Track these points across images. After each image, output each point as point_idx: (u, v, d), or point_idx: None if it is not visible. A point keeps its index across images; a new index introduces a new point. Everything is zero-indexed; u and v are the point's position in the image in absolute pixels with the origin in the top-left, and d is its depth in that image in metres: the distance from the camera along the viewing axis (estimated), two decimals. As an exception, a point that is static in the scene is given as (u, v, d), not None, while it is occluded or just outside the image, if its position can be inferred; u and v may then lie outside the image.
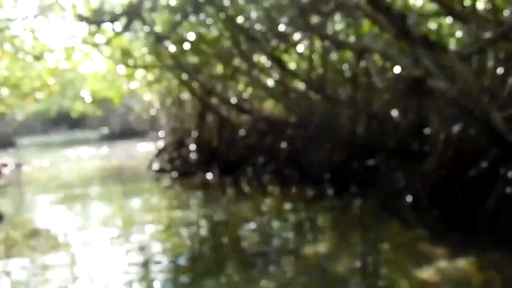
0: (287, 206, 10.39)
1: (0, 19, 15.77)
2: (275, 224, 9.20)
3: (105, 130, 46.08)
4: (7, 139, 42.10)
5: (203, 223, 9.68)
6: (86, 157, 25.60)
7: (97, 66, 20.44)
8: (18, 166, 21.15)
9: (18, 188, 16.71)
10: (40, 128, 60.98)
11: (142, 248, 7.75)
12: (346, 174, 11.39)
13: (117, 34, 14.44)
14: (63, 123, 59.97)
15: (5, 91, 19.39)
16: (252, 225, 8.98)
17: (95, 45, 16.53)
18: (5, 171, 20.08)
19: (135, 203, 12.45)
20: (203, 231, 9.17)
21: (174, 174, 15.52)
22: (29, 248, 8.35)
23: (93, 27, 14.15)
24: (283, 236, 8.30)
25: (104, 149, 29.72)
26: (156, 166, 16.62)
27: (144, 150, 24.25)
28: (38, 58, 17.11)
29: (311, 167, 12.39)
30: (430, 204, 8.46)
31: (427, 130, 9.95)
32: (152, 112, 25.17)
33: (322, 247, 7.17)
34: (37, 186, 16.62)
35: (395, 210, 8.83)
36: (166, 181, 15.12)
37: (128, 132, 40.53)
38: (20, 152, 33.76)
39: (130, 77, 19.76)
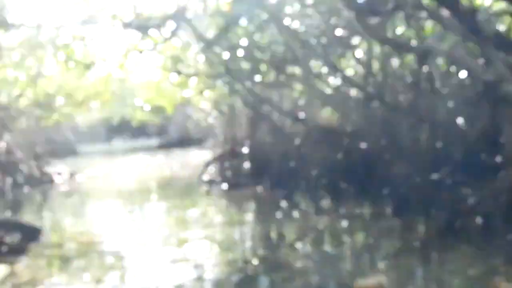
0: (342, 225, 9.43)
1: (52, 26, 15.56)
2: (329, 246, 8.22)
3: (163, 138, 46.12)
4: (69, 147, 42.63)
5: (256, 241, 8.92)
6: (140, 166, 25.32)
7: (150, 74, 20.09)
8: (72, 175, 20.95)
9: (66, 199, 16.37)
10: (103, 136, 62.03)
11: (196, 266, 7.31)
12: (407, 189, 10.30)
13: (165, 40, 13.84)
14: (125, 131, 60.74)
15: (59, 100, 19.23)
16: (305, 248, 8.06)
17: (145, 52, 16.10)
18: (59, 180, 19.88)
19: (184, 216, 11.73)
20: (255, 251, 8.30)
21: (224, 185, 14.77)
22: (68, 269, 7.75)
23: (141, 34, 13.64)
24: (337, 264, 7.29)
25: (160, 157, 29.43)
26: (206, 176, 15.94)
27: (198, 159, 23.60)
28: (88, 67, 16.82)
29: (368, 181, 11.36)
30: (505, 226, 7.34)
31: (500, 140, 8.80)
32: (209, 120, 24.68)
33: (380, 280, 6.15)
34: (86, 197, 16.25)
35: (464, 232, 7.72)
36: (216, 193, 14.41)
37: (186, 140, 40.27)
38: (79, 160, 33.96)
39: (183, 85, 19.27)
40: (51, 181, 19.51)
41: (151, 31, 13.56)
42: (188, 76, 17.62)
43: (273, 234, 9.17)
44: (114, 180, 20.29)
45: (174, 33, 13.34)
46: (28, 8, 16.10)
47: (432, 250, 7.49)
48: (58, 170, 21.28)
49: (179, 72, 17.73)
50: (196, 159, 23.99)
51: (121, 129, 60.10)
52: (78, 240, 9.79)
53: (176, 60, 16.66)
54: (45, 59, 17.19)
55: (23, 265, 7.84)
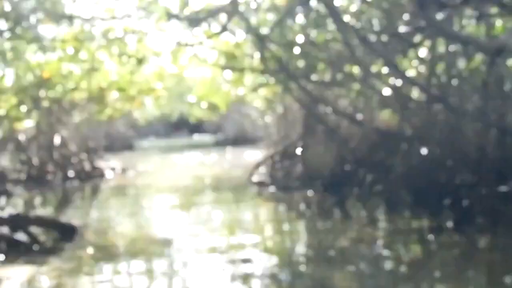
0: (398, 239, 8.54)
1: (105, 19, 15.26)
2: (383, 263, 7.36)
3: (219, 136, 45.92)
4: (127, 142, 42.95)
5: (303, 254, 8.18)
6: (193, 163, 24.96)
7: (203, 71, 19.62)
8: (123, 170, 20.73)
9: (113, 195, 16.06)
10: (162, 131, 62.62)
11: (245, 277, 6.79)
12: (471, 201, 9.33)
13: (216, 34, 13.27)
14: (183, 127, 61.07)
15: (113, 95, 18.98)
16: (356, 264, 7.24)
17: (198, 48, 15.64)
18: (109, 175, 19.68)
19: (229, 220, 11.11)
20: (302, 265, 7.54)
21: (274, 188, 14.06)
22: (97, 274, 7.24)
23: (191, 27, 13.12)
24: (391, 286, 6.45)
25: (213, 155, 29.00)
26: (256, 177, 15.26)
27: (251, 159, 23.01)
28: (140, 61, 16.47)
29: (428, 190, 10.40)
30: None
31: None
32: (265, 119, 24.06)
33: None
34: (133, 193, 15.89)
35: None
36: (264, 196, 13.74)
37: (241, 139, 39.81)
38: (134, 155, 34.05)
39: (237, 82, 18.71)
40: (101, 175, 19.32)
41: (202, 25, 13.04)
42: (242, 73, 17.06)
43: (322, 248, 8.31)
44: (164, 176, 19.96)
45: (225, 27, 12.72)
46: (82, 0, 15.83)
47: (500, 273, 6.52)
48: (110, 165, 21.13)
49: (233, 69, 17.20)
50: (249, 159, 23.43)
51: (180, 125, 60.53)
52: (117, 240, 9.33)
53: (230, 56, 16.10)
54: (99, 53, 16.91)
55: (50, 268, 7.37)
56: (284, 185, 13.93)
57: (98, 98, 18.67)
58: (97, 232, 9.96)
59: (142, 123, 49.19)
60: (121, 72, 18.57)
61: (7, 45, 16.32)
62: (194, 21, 12.74)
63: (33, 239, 8.35)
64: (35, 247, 8.24)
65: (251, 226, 10.40)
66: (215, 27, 13.15)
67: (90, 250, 8.43)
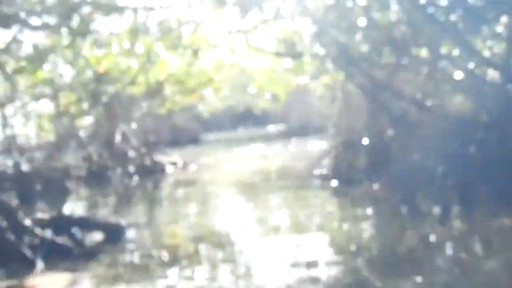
0: (475, 240, 7.47)
1: (157, 9, 14.77)
2: (459, 272, 6.33)
3: (284, 127, 45.15)
4: (193, 135, 42.84)
5: (369, 254, 7.30)
6: (255, 156, 24.28)
7: (262, 60, 18.83)
8: (185, 164, 20.26)
9: (171, 190, 15.57)
10: (228, 124, 62.48)
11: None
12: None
13: (269, 20, 12.47)
14: (248, 119, 60.69)
15: (170, 88, 18.53)
16: (427, 271, 6.25)
17: (254, 35, 14.89)
18: (170, 169, 19.26)
19: (289, 216, 10.31)
20: (369, 268, 6.65)
21: (335, 181, 13.11)
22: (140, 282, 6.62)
23: (244, 14, 12.37)
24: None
25: (277, 147, 28.21)
26: (318, 170, 14.34)
27: (315, 150, 22.07)
28: (196, 52, 15.90)
29: (508, 182, 9.21)
30: None
31: None
32: (331, 108, 23.02)
33: None
34: (192, 188, 15.31)
35: None
36: (326, 190, 12.84)
37: (306, 129, 38.77)
38: (199, 148, 33.77)
39: (296, 70, 17.84)
40: (162, 170, 18.92)
41: (256, 11, 12.27)
42: (301, 60, 16.18)
43: (389, 251, 7.37)
44: (224, 170, 19.35)
45: (279, 12, 11.89)
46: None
47: None
48: (171, 159, 20.71)
49: (291, 56, 16.36)
50: (313, 150, 22.50)
51: (245, 117, 60.17)
52: (167, 242, 8.72)
53: (289, 43, 15.27)
54: (155, 45, 16.46)
55: (90, 275, 6.81)
56: (347, 178, 12.95)
57: (156, 91, 18.25)
58: (149, 232, 9.39)
59: (207, 116, 49.11)
60: (178, 65, 18.09)
61: (64, 41, 16.13)
62: (246, 6, 11.98)
63: (76, 241, 7.83)
64: (77, 251, 7.71)
65: (313, 225, 9.53)
66: (270, 12, 12.33)
67: (138, 254, 7.82)
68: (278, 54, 16.05)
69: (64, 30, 15.49)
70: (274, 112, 49.49)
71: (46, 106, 18.65)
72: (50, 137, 18.69)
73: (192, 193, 14.60)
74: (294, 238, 8.37)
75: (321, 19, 12.43)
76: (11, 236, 7.11)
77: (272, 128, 50.18)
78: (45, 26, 15.48)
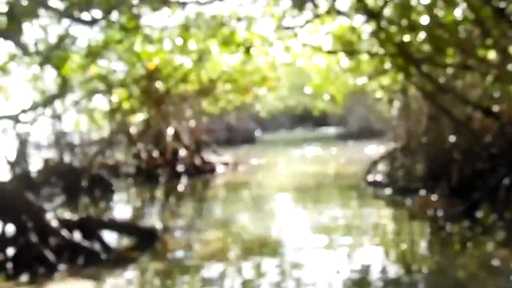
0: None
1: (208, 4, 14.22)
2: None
3: (343, 129, 44.07)
4: (249, 134, 42.45)
5: (424, 280, 6.45)
6: (309, 158, 23.52)
7: (319, 59, 18.00)
8: (235, 164, 19.71)
9: (218, 191, 15.01)
10: (287, 124, 61.86)
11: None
12: None
13: (323, 15, 11.68)
14: (307, 120, 59.82)
15: (224, 86, 17.98)
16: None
17: (310, 34, 14.12)
18: (220, 170, 18.76)
19: (337, 226, 9.52)
20: None
21: (390, 189, 12.20)
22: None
23: (297, 9, 11.63)
24: None
25: (333, 149, 27.30)
26: (372, 177, 13.44)
27: (372, 154, 21.13)
28: (248, 50, 15.23)
29: None
30: None
31: None
32: (392, 111, 21.94)
33: None
34: (239, 190, 14.70)
35: None
36: (379, 198, 11.98)
37: (365, 132, 37.62)
38: (253, 148, 33.26)
39: (354, 70, 16.93)
40: (212, 170, 18.44)
41: (311, 7, 11.51)
42: (359, 60, 15.31)
43: (446, 277, 6.47)
44: (275, 172, 18.70)
45: (333, 7, 11.09)
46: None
47: None
48: (222, 159, 20.22)
49: (348, 55, 15.50)
50: (370, 154, 21.56)
51: (304, 118, 59.29)
52: (207, 249, 8.03)
53: (345, 41, 14.42)
54: (207, 42, 15.93)
55: (115, 283, 6.29)
56: (403, 187, 12.03)
57: (208, 90, 17.77)
58: (189, 237, 8.80)
59: (265, 116, 48.61)
60: (231, 63, 17.54)
61: (116, 36, 15.87)
62: (301, 2, 11.25)
63: (104, 246, 7.35)
64: (105, 256, 7.22)
65: (366, 239, 8.66)
66: (325, 8, 11.54)
67: (169, 260, 7.25)
68: (334, 53, 15.20)
69: (114, 25, 15.24)
70: (333, 114, 48.52)
71: (99, 102, 18.52)
72: (103, 133, 18.54)
73: (239, 196, 14.02)
74: (346, 251, 7.62)
75: (380, 16, 11.55)
76: (34, 238, 6.68)
77: (330, 130, 49.22)
78: (95, 21, 15.24)
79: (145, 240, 7.85)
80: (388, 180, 12.81)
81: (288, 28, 12.87)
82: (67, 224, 7.23)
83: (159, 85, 17.35)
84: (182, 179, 16.86)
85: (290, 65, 18.79)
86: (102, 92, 17.72)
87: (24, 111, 15.64)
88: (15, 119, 15.31)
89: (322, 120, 56.78)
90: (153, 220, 10.37)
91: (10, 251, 6.81)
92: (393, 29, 12.48)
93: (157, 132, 17.76)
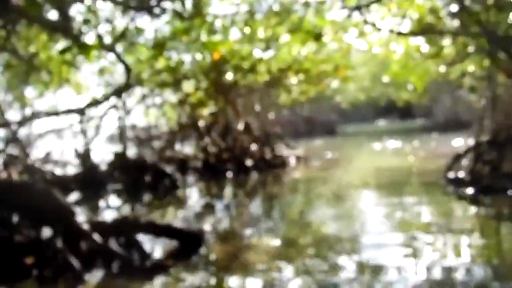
0: None
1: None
2: None
3: (428, 121, 41.83)
4: (329, 127, 41.17)
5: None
6: (390, 151, 22.10)
7: (396, 46, 16.64)
8: (308, 159, 18.67)
9: (283, 188, 14.01)
10: (370, 116, 59.90)
11: None
12: None
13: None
14: (393, 111, 57.59)
15: (295, 77, 16.98)
16: None
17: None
18: (292, 164, 17.82)
19: (422, 230, 8.27)
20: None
21: (472, 189, 10.77)
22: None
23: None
24: None
25: (415, 142, 25.62)
26: (453, 173, 12.01)
27: (458, 147, 19.44)
28: (318, 37, 14.18)
29: None
30: None
31: None
32: (480, 101, 20.12)
33: None
34: (307, 187, 13.64)
35: None
36: (460, 199, 10.63)
37: (453, 124, 35.33)
38: (332, 141, 32.05)
39: (436, 56, 15.46)
40: (283, 165, 17.51)
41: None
42: (440, 44, 13.92)
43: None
44: (349, 167, 17.52)
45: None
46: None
47: None
48: (295, 152, 19.23)
49: (428, 40, 14.16)
50: (455, 148, 19.86)
51: (388, 109, 57.03)
52: (265, 258, 7.06)
53: (425, 24, 13.07)
54: (276, 30, 15.02)
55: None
56: (488, 185, 10.58)
57: (278, 80, 16.84)
58: (244, 243, 7.89)
59: (347, 107, 47.09)
60: (302, 52, 16.55)
61: (181, 26, 15.30)
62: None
63: (140, 252, 6.63)
64: (140, 263, 6.49)
65: (444, 238, 7.40)
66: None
67: (213, 273, 6.39)
68: (412, 35, 13.86)
69: (179, 15, 14.66)
70: (418, 105, 46.26)
71: (168, 95, 18.07)
72: (171, 126, 18.11)
73: (308, 192, 13.03)
74: (427, 250, 6.71)
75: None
76: (60, 243, 6.06)
77: (415, 122, 46.99)
78: (161, 11, 14.73)
79: (189, 246, 7.07)
80: (471, 177, 11.37)
81: (356, 8, 11.68)
82: (100, 228, 6.58)
83: (227, 76, 16.65)
84: (250, 174, 16.06)
85: (366, 53, 17.48)
86: (171, 84, 17.25)
87: (90, 105, 15.47)
88: (81, 112, 15.13)
89: (407, 111, 54.37)
90: (213, 219, 9.65)
91: (39, 257, 6.22)
92: (477, 8, 11.12)
93: (225, 125, 17.06)
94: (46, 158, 16.87)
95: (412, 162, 17.49)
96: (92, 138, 15.81)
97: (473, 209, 9.79)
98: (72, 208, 6.57)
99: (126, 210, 11.72)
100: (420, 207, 9.81)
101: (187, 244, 7.08)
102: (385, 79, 25.20)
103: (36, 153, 16.44)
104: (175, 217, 10.38)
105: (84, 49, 10.87)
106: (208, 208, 10.99)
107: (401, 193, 11.69)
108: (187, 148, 18.24)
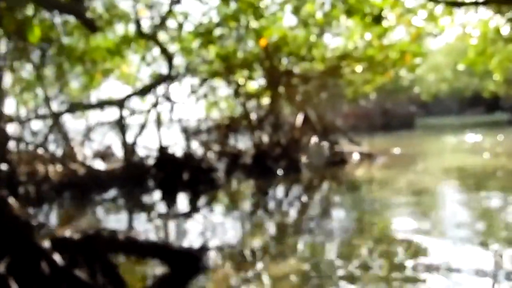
0: None
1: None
2: None
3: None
4: (407, 119, 38.63)
5: None
6: (466, 147, 19.75)
7: (472, 29, 14.48)
8: (372, 156, 16.74)
9: (338, 192, 12.23)
10: (455, 108, 56.46)
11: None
12: None
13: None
14: (479, 104, 53.80)
15: (355, 65, 15.13)
16: None
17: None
18: (353, 161, 16.04)
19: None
20: None
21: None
22: None
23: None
24: None
25: (497, 138, 22.96)
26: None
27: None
28: (378, 19, 12.32)
29: None
30: None
31: None
32: None
33: None
34: (362, 191, 11.76)
35: None
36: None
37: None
38: (408, 135, 29.72)
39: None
40: (342, 162, 15.75)
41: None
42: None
43: None
44: (417, 165, 15.47)
45: None
46: None
47: None
48: (359, 149, 17.35)
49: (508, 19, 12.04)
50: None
51: (474, 102, 53.25)
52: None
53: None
54: (330, 12, 13.31)
55: None
56: None
57: (334, 69, 15.09)
58: (251, 266, 6.37)
59: (427, 99, 44.22)
60: (365, 38, 14.74)
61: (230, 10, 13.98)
62: None
63: (112, 277, 5.29)
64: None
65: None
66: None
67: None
68: (489, 8, 11.81)
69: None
70: (506, 97, 42.61)
71: (220, 86, 16.76)
72: (223, 119, 16.81)
73: (361, 199, 10.93)
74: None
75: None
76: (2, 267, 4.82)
77: (503, 115, 43.43)
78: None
79: (183, 270, 5.67)
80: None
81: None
82: (65, 245, 5.30)
83: (279, 64, 15.12)
84: (303, 172, 14.45)
85: (444, 39, 15.30)
86: (223, 74, 15.95)
87: (129, 96, 14.44)
88: (121, 104, 14.12)
89: (494, 103, 50.43)
90: (227, 233, 7.92)
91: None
92: None
93: (277, 118, 15.50)
94: (96, 152, 16.12)
95: (487, 160, 15.20)
96: (139, 132, 14.81)
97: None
98: (31, 221, 5.31)
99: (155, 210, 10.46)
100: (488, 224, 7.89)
101: (180, 268, 5.69)
102: (461, 67, 22.75)
103: (84, 147, 15.69)
104: (182, 228, 8.67)
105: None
106: (227, 217, 9.37)
107: (462, 204, 9.73)
108: (242, 143, 16.84)
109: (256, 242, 7.12)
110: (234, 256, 6.43)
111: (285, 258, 6.26)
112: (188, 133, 15.29)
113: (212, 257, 6.16)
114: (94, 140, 16.23)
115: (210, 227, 8.40)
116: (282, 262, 6.10)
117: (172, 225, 8.91)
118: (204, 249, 6.10)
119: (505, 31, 13.22)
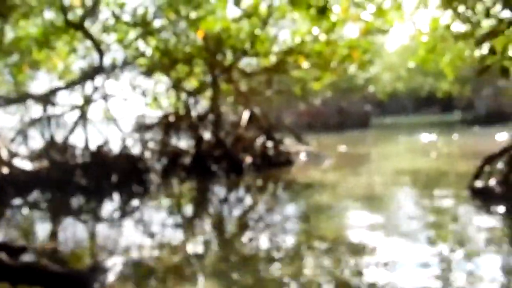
0: None
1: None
2: None
3: (468, 114, 38.54)
4: (362, 118, 38.19)
5: None
6: (418, 147, 19.24)
7: (422, 26, 13.81)
8: (318, 156, 15.96)
9: (278, 195, 11.35)
10: (410, 108, 56.77)
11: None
12: None
13: None
14: (434, 103, 54.09)
15: (299, 61, 14.28)
16: None
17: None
18: (299, 162, 15.25)
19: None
20: None
21: (504, 203, 8.01)
22: None
23: None
24: None
25: (451, 138, 22.61)
26: (481, 183, 9.23)
27: (500, 143, 16.33)
28: (322, 11, 11.54)
29: None
30: None
31: None
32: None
33: None
34: (303, 195, 10.87)
35: None
36: (491, 215, 7.86)
37: (495, 117, 32.08)
38: (360, 134, 29.24)
39: (471, 37, 12.64)
40: (287, 163, 14.93)
41: None
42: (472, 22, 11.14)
43: None
44: (365, 167, 14.78)
45: None
46: None
47: None
48: (306, 149, 16.58)
49: (462, 17, 11.41)
50: (498, 143, 16.78)
51: (429, 101, 53.47)
52: None
53: None
54: (276, 5, 12.49)
55: None
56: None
57: (280, 65, 14.24)
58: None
59: (383, 98, 43.99)
60: (308, 31, 13.94)
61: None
62: None
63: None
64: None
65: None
66: None
67: None
68: (441, 9, 11.16)
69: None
70: (459, 97, 42.76)
71: (158, 81, 15.72)
72: (164, 117, 15.76)
73: (300, 204, 10.08)
74: None
75: None
76: None
77: (456, 115, 43.64)
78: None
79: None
80: (503, 187, 8.62)
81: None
82: None
83: (224, 59, 14.19)
84: (245, 173, 13.54)
85: (386, 33, 14.59)
86: (162, 68, 14.93)
87: (56, 90, 13.31)
88: (45, 100, 12.99)
89: (448, 103, 50.74)
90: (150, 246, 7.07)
91: None
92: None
93: (218, 115, 14.56)
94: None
95: (437, 162, 14.62)
96: (71, 129, 13.71)
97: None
98: None
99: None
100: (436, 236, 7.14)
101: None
102: (412, 65, 22.29)
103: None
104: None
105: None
106: (151, 224, 8.45)
107: (395, 216, 9.01)
108: (184, 142, 15.80)
109: (173, 258, 6.20)
110: (139, 273, 5.50)
111: (195, 279, 5.35)
112: (125, 131, 14.23)
113: (110, 276, 5.21)
114: (32, 138, 14.93)
115: (125, 235, 7.44)
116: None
117: (83, 233, 7.91)
118: (96, 269, 5.14)
119: (455, 28, 12.58)
